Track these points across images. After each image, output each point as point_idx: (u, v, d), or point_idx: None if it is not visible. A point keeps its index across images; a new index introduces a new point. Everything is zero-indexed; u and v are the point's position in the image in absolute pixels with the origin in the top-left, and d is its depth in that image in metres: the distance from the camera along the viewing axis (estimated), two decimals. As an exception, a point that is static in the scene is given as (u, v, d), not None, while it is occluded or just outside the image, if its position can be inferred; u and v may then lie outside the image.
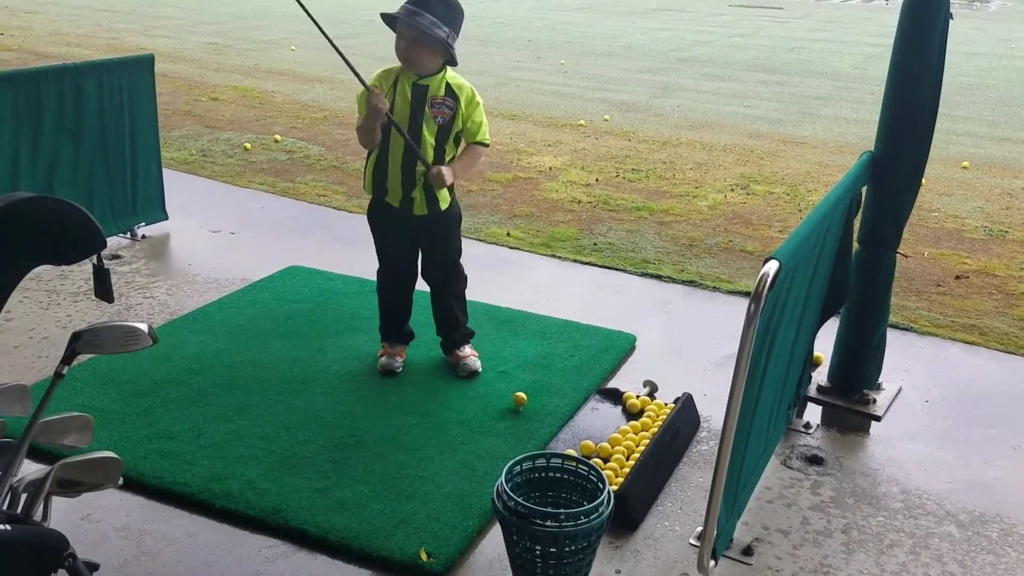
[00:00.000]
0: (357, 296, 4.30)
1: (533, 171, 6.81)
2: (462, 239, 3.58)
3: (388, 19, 3.24)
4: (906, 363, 3.90)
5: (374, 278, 3.66)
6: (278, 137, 7.50)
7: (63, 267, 4.51)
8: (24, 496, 1.54)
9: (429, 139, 3.27)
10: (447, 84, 3.27)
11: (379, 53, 12.35)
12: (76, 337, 1.54)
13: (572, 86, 10.48)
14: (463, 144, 3.39)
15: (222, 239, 5.14)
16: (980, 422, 3.47)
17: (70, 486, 1.58)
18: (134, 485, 2.84)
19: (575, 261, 4.97)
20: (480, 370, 3.58)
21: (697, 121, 8.85)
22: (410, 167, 3.28)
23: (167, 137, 6.89)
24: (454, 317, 3.62)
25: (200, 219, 5.38)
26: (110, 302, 1.80)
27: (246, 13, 16.06)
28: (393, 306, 3.65)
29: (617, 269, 4.87)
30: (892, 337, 4.05)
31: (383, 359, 3.62)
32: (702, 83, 10.98)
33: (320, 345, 3.81)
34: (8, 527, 1.38)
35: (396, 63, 3.32)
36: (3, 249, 1.32)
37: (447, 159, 3.34)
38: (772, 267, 2.20)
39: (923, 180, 6.91)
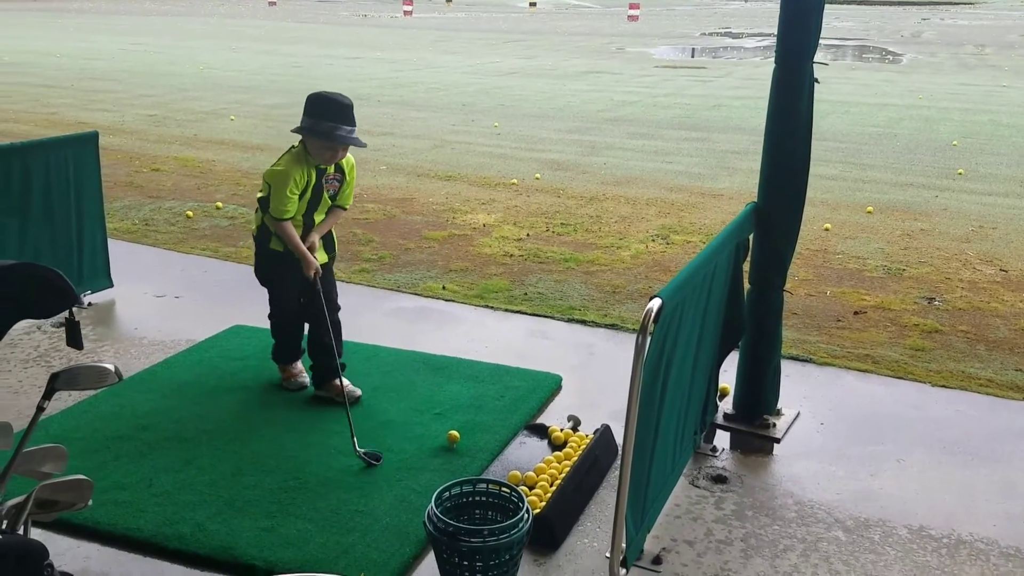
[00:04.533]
0: (299, 351, 4.55)
1: (468, 228, 7.17)
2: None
3: (331, 137, 3.69)
4: (805, 391, 4.28)
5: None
6: (219, 204, 7.75)
7: (12, 338, 4.69)
8: (6, 519, 1.77)
9: (327, 205, 3.93)
10: (337, 163, 3.88)
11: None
12: (55, 376, 1.79)
13: (505, 147, 10.96)
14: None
15: (167, 303, 5.35)
16: (869, 440, 3.86)
17: (47, 506, 1.81)
18: (90, 533, 3.04)
19: (506, 310, 5.31)
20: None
21: (622, 177, 9.36)
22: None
23: (110, 208, 7.09)
24: None
25: (145, 285, 5.59)
26: (80, 349, 2.06)
27: (184, 85, 16.34)
28: None
29: (545, 316, 5.22)
30: (792, 368, 4.47)
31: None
32: (628, 141, 11.57)
33: (264, 398, 4.05)
34: (-1, 537, 1.61)
35: (285, 146, 3.98)
36: (-7, 307, 1.58)
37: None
38: (655, 304, 2.56)
39: (828, 226, 7.43)
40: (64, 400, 4.06)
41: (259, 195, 3.87)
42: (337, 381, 4.02)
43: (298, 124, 3.74)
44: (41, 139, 5.09)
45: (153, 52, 22.88)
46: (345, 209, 4.04)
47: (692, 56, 27.02)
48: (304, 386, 4.09)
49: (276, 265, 3.93)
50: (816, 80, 3.59)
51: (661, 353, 2.75)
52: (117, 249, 5.73)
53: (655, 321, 2.54)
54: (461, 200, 8.15)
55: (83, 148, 5.10)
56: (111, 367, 1.81)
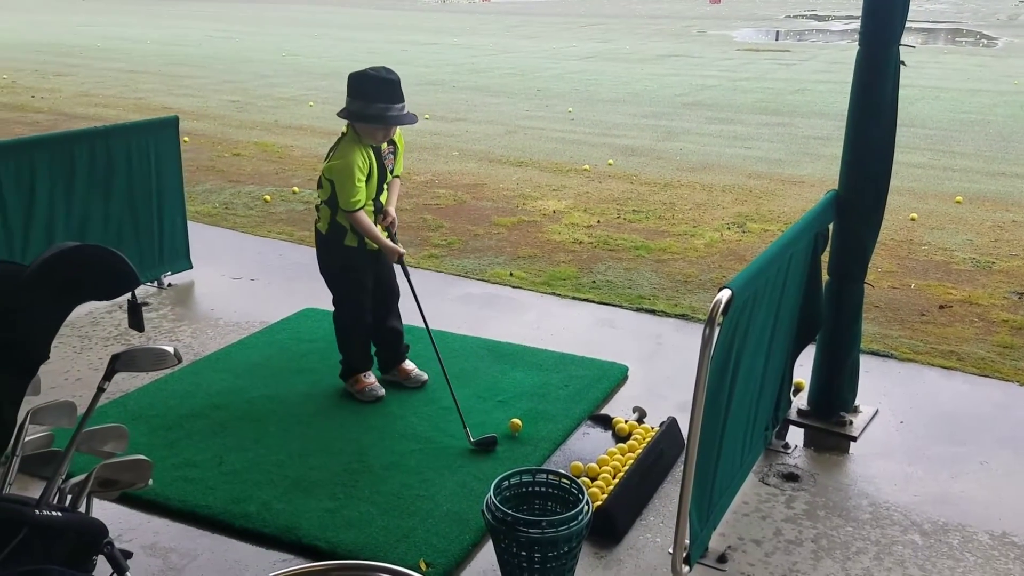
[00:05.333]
0: (367, 335, 4.59)
1: (537, 214, 7.13)
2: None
3: (384, 120, 3.56)
4: (885, 387, 4.11)
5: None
6: (296, 189, 7.88)
7: (95, 316, 4.86)
8: (70, 495, 1.82)
9: (385, 181, 3.82)
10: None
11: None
12: (116, 358, 1.83)
13: (578, 132, 10.85)
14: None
15: (242, 285, 5.47)
16: (951, 440, 3.68)
17: (108, 485, 1.85)
18: (161, 508, 3.12)
19: (573, 298, 5.25)
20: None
21: (698, 163, 9.16)
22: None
23: (192, 191, 7.29)
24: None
25: (222, 267, 5.73)
26: (141, 331, 2.10)
27: (266, 71, 16.69)
28: None
29: (613, 305, 5.15)
30: (873, 363, 4.30)
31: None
32: (705, 126, 11.32)
33: (332, 380, 4.08)
34: (59, 514, 1.65)
35: (337, 129, 3.85)
36: (55, 290, 1.62)
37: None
38: (725, 295, 2.47)
39: (914, 216, 7.12)
40: (142, 378, 4.18)
41: (322, 198, 3.73)
42: (405, 365, 4.04)
43: (343, 107, 3.60)
44: (124, 123, 5.24)
45: (237, 39, 23.45)
46: (399, 177, 3.92)
47: (776, 39, 26.32)
48: (380, 397, 3.88)
49: (352, 261, 3.82)
50: (902, 63, 3.41)
51: (731, 345, 2.66)
52: (197, 231, 5.88)
53: (724, 313, 2.46)
54: (532, 186, 8.11)
55: (164, 132, 5.23)
56: (170, 349, 1.84)
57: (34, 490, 2.24)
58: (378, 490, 3.23)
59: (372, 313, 3.96)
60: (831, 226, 3.54)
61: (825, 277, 3.60)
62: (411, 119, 3.61)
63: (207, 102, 13.00)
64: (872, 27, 3.35)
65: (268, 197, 7.58)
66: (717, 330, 2.46)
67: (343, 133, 3.72)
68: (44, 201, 4.61)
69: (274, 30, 26.45)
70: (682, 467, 3.44)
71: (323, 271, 3.94)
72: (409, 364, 4.06)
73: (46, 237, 4.64)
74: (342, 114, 3.63)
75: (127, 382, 4.14)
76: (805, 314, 3.51)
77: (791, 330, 3.45)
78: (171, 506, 3.12)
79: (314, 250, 3.95)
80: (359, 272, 3.86)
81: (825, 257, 3.55)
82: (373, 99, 3.53)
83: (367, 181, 3.67)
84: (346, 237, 3.77)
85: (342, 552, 2.88)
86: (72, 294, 1.70)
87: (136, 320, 1.95)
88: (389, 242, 3.78)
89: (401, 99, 3.58)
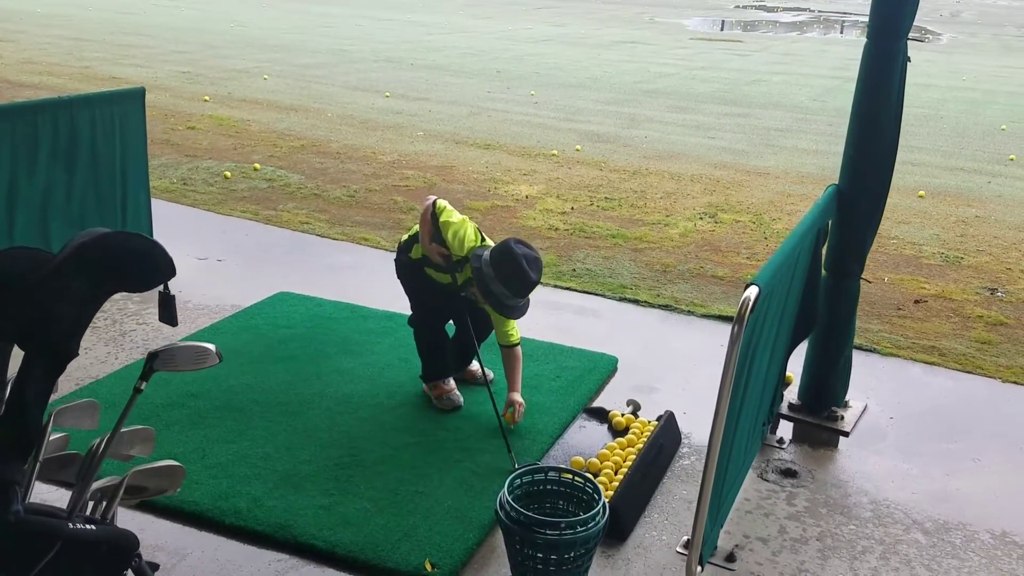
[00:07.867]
0: (348, 321, 4.44)
1: (510, 199, 7.01)
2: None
3: (502, 307, 3.39)
4: (870, 383, 4.13)
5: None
6: (257, 166, 7.62)
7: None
8: (92, 503, 1.67)
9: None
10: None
11: (351, 82, 12.54)
12: (153, 356, 1.68)
13: (543, 116, 10.75)
14: None
15: (209, 266, 5.25)
16: (941, 437, 3.71)
17: (136, 492, 1.71)
18: (146, 503, 2.94)
19: (555, 287, 5.16)
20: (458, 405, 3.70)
21: (665, 152, 9.15)
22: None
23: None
24: None
25: (186, 247, 5.48)
26: (174, 326, 1.95)
27: (215, 42, 16.16)
28: None
29: (596, 294, 5.08)
30: (857, 358, 4.30)
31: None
32: (667, 115, 11.32)
33: (315, 369, 3.94)
34: (93, 527, 1.51)
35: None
36: (87, 279, 1.46)
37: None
38: (753, 292, 2.40)
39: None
40: (111, 362, 3.98)
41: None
42: (470, 366, 3.89)
43: (481, 264, 3.35)
44: (88, 94, 4.95)
45: (183, 8, 22.68)
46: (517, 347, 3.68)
47: (722, 29, 26.54)
48: (459, 406, 3.66)
49: (432, 284, 3.66)
50: (908, 59, 3.39)
51: (750, 343, 2.61)
52: (156, 208, 5.59)
53: (751, 311, 2.39)
54: (502, 170, 7.98)
55: (129, 105, 4.95)
56: (211, 347, 1.70)
57: (40, 492, 2.07)
58: (373, 486, 3.11)
59: (460, 329, 3.76)
60: (829, 222, 3.51)
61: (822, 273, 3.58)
62: (521, 313, 3.45)
63: (156, 72, 12.52)
64: (880, 21, 3.31)
65: (228, 173, 7.31)
66: (744, 328, 2.40)
67: (460, 257, 3.46)
68: (6, 174, 4.32)
69: (221, 1, 25.64)
70: (681, 462, 3.42)
71: (402, 284, 3.79)
72: (474, 364, 3.87)
73: (7, 210, 4.37)
74: (477, 273, 3.34)
75: (95, 367, 3.94)
76: (804, 310, 3.48)
77: (791, 326, 3.42)
78: (157, 502, 2.93)
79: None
80: (435, 288, 3.66)
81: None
82: (510, 286, 3.33)
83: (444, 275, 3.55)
84: (412, 251, 3.64)
85: (341, 552, 2.76)
86: (106, 285, 1.54)
87: (168, 314, 1.80)
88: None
89: (526, 296, 3.42)
